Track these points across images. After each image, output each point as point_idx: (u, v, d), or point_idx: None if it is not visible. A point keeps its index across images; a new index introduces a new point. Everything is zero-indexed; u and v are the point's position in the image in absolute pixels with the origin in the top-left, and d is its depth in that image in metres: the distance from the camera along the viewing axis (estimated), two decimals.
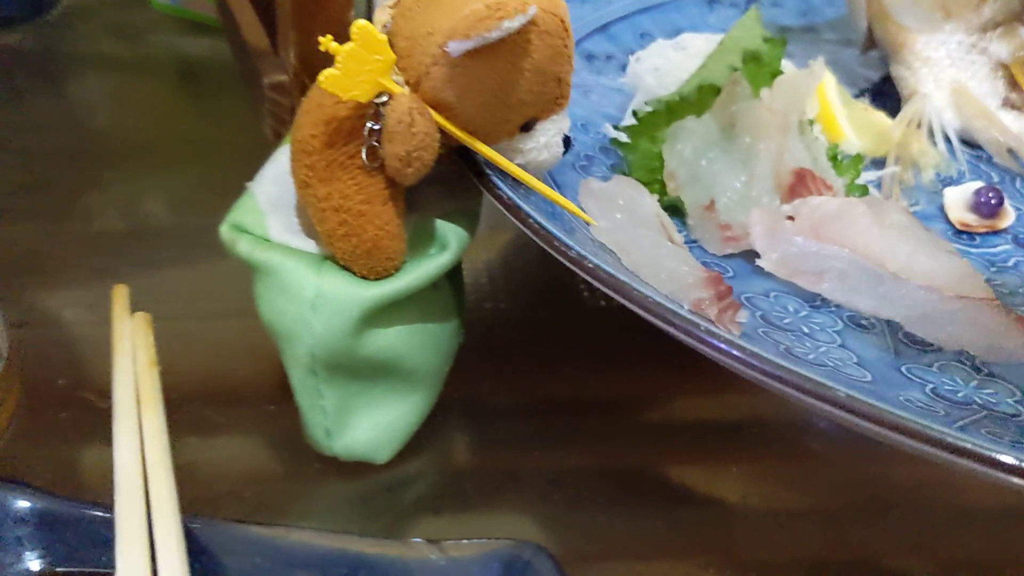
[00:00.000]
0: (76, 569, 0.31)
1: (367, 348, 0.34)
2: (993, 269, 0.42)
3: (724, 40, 0.46)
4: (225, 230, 0.36)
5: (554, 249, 0.33)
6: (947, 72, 0.50)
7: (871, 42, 0.53)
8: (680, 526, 0.38)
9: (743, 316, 0.36)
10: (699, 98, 0.44)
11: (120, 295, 0.39)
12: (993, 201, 0.44)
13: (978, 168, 0.48)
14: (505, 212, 0.34)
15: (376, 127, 0.32)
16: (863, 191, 0.44)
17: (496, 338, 0.45)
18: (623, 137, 0.44)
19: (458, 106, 0.33)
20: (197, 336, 0.44)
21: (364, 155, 0.33)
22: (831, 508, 0.39)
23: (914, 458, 0.40)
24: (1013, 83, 0.50)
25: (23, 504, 0.31)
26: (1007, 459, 0.26)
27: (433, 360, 0.37)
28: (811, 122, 0.45)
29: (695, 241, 0.41)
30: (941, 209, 0.46)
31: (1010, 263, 0.42)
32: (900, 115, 0.49)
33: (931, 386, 0.34)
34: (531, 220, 0.34)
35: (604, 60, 0.53)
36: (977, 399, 0.33)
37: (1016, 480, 0.26)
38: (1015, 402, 0.33)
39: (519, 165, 0.37)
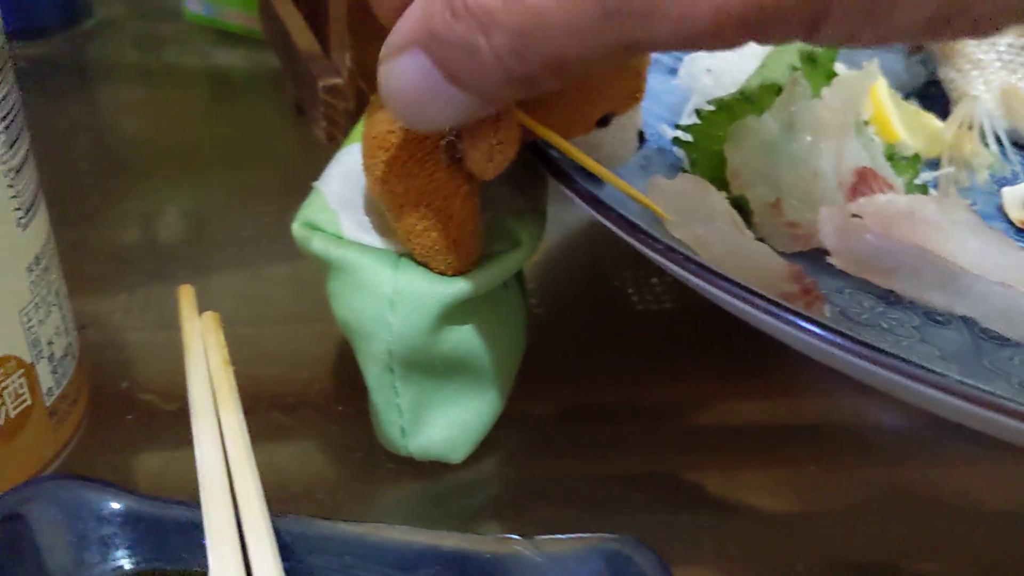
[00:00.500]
0: (164, 567, 0.30)
1: (444, 345, 0.34)
2: None
3: None
4: (297, 228, 0.35)
5: (641, 242, 0.32)
6: (997, 74, 0.50)
7: (918, 46, 0.53)
8: (741, 532, 0.37)
9: (827, 311, 0.36)
10: (761, 97, 0.43)
11: (187, 295, 0.39)
12: None
13: None
14: (587, 207, 0.34)
15: None
16: (923, 190, 0.44)
17: (534, 342, 0.45)
18: (685, 136, 0.44)
19: (540, 100, 0.33)
20: (254, 340, 0.44)
21: (443, 150, 0.33)
22: (863, 510, 0.39)
23: (979, 463, 0.40)
24: None
25: (108, 503, 0.31)
26: None
27: (505, 358, 0.36)
28: (866, 123, 0.45)
29: (761, 239, 0.41)
30: (999, 209, 0.46)
31: None
32: (951, 117, 0.49)
33: (1017, 379, 0.34)
34: (614, 214, 0.33)
35: (653, 63, 0.53)
36: None
37: None
38: None
39: (594, 159, 0.37)
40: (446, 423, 0.36)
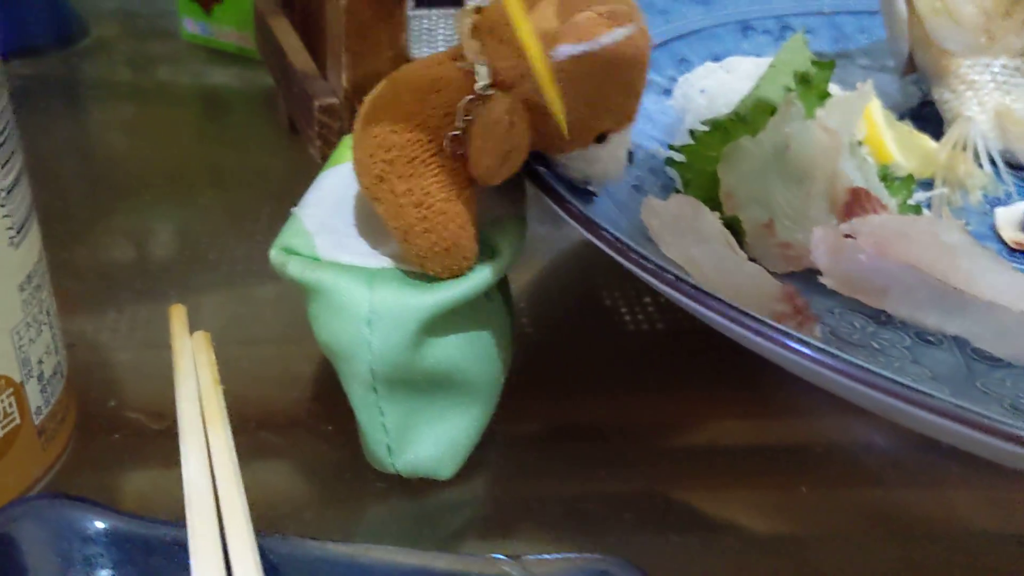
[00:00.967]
0: None
1: (426, 360, 0.34)
2: None
3: (774, 62, 0.46)
4: (275, 254, 0.35)
5: (632, 262, 0.32)
6: (991, 95, 0.50)
7: (912, 67, 0.54)
8: (727, 553, 0.37)
9: (817, 331, 0.35)
10: (754, 118, 0.43)
11: (178, 314, 0.38)
12: None
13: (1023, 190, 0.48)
14: (578, 227, 0.34)
15: (466, 119, 0.32)
16: (916, 211, 0.44)
17: (520, 362, 0.45)
18: (679, 157, 0.44)
19: (550, 112, 0.33)
20: (244, 360, 0.43)
21: (448, 143, 0.32)
22: (882, 535, 0.38)
23: (968, 485, 0.40)
24: None
25: (92, 522, 0.30)
26: None
27: (490, 371, 0.36)
28: (860, 143, 0.45)
29: (753, 260, 0.41)
30: (992, 229, 0.46)
31: None
32: (945, 137, 0.50)
33: (1009, 400, 0.34)
34: (604, 232, 0.33)
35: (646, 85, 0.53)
36: None
37: None
38: None
39: (585, 174, 0.37)
40: (433, 440, 0.36)
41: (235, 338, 0.45)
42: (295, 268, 0.34)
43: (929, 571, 0.36)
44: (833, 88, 0.48)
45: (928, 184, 0.48)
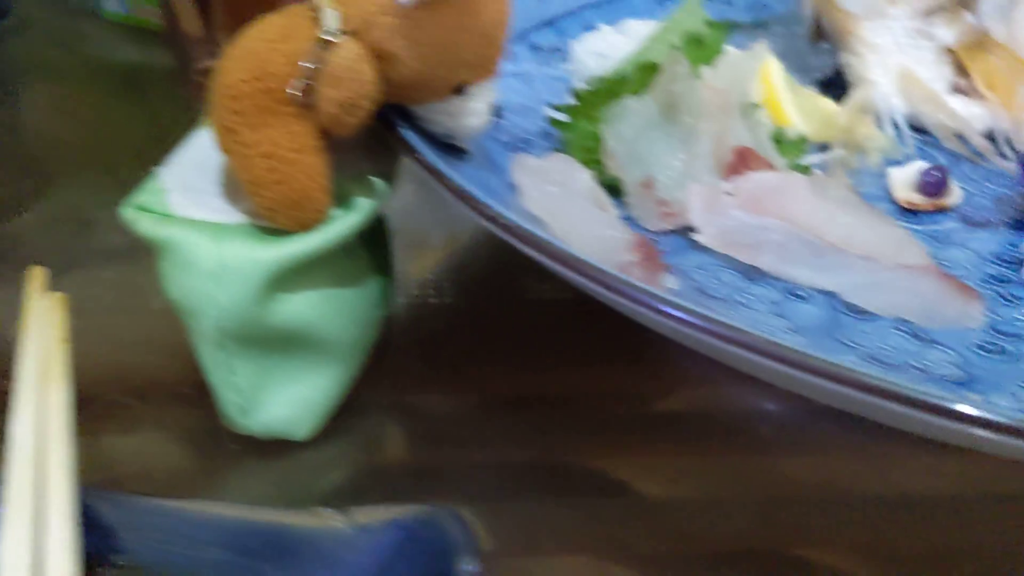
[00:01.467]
0: None
1: (276, 317, 0.33)
2: (938, 244, 0.41)
3: (665, 22, 0.46)
4: (126, 210, 0.34)
5: (473, 208, 0.31)
6: (893, 58, 0.49)
7: (819, 32, 0.53)
8: (612, 518, 0.36)
9: (673, 282, 0.35)
10: (638, 77, 0.43)
11: (37, 275, 0.38)
12: (939, 179, 0.43)
13: (927, 153, 0.47)
14: (426, 174, 0.33)
15: (313, 66, 0.31)
16: (805, 171, 0.43)
17: (438, 331, 0.44)
18: (562, 117, 0.43)
19: (400, 59, 0.32)
20: (129, 328, 0.43)
21: (297, 89, 0.32)
22: (769, 498, 0.37)
23: (853, 449, 0.39)
24: (960, 68, 0.49)
25: None
26: (935, 400, 0.25)
27: (350, 330, 0.35)
28: (756, 106, 0.44)
29: (632, 219, 0.40)
30: (887, 191, 0.45)
31: (955, 238, 0.41)
32: (846, 101, 0.49)
33: (867, 351, 0.33)
34: (451, 181, 0.32)
35: (550, 52, 0.52)
36: (913, 363, 0.32)
37: (939, 421, 0.25)
38: (951, 364, 0.32)
39: (447, 128, 0.36)
40: (288, 400, 0.35)
41: (124, 307, 0.44)
42: (145, 225, 0.34)
43: (808, 532, 0.36)
44: (731, 50, 0.47)
45: (829, 148, 0.47)
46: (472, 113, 0.36)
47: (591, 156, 0.42)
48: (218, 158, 0.37)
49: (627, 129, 0.41)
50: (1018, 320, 0.35)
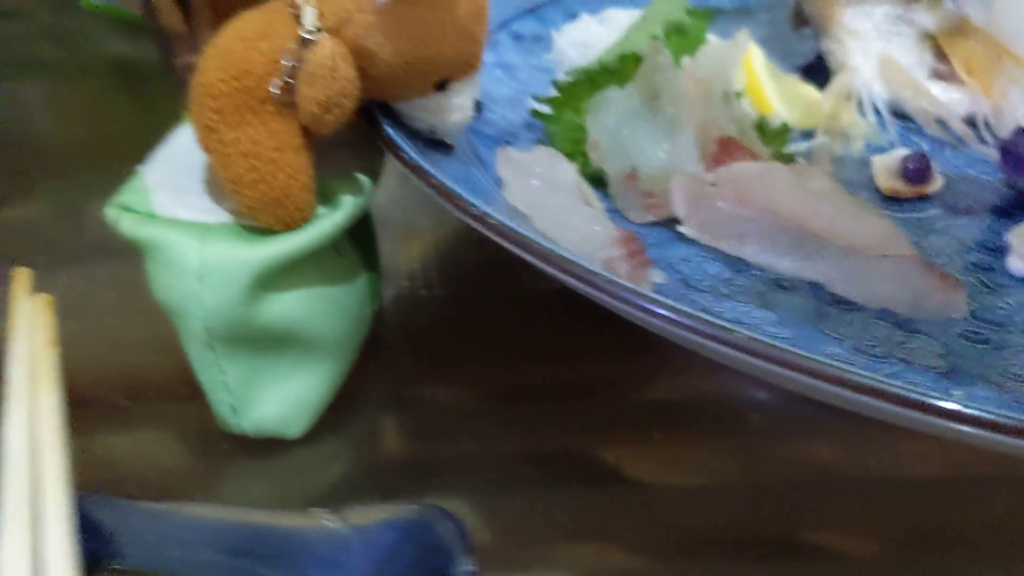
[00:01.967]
0: None
1: (263, 317, 0.33)
2: (921, 232, 0.41)
3: (646, 12, 0.46)
4: (110, 211, 0.34)
5: (456, 206, 0.32)
6: (875, 44, 0.49)
7: (802, 18, 0.53)
8: (605, 507, 0.36)
9: (658, 277, 0.35)
10: (621, 67, 0.43)
11: (22, 277, 0.38)
12: (921, 167, 0.43)
13: (908, 139, 0.48)
14: (408, 172, 0.33)
15: (292, 64, 0.31)
16: (789, 159, 0.43)
17: (428, 324, 0.44)
18: (545, 109, 0.43)
19: (379, 56, 0.32)
20: (122, 329, 0.42)
21: (277, 88, 0.32)
22: (761, 484, 0.38)
23: (842, 435, 0.40)
24: (940, 54, 0.49)
25: None
26: (916, 397, 0.25)
27: (339, 328, 0.35)
28: (739, 94, 0.44)
29: (617, 211, 0.40)
30: (870, 179, 0.45)
31: (938, 226, 0.41)
32: (829, 87, 0.49)
33: (852, 342, 0.33)
34: (433, 179, 0.33)
35: (532, 41, 0.52)
36: (897, 354, 0.33)
37: (922, 416, 0.25)
38: (935, 355, 0.32)
39: (430, 124, 0.36)
40: (279, 398, 0.35)
41: (116, 308, 0.44)
42: (127, 225, 0.34)
43: (799, 516, 0.36)
44: (713, 39, 0.47)
45: (814, 135, 0.48)
46: (455, 109, 0.36)
47: (576, 148, 0.42)
48: (201, 156, 0.37)
49: (611, 120, 0.41)
50: (1001, 308, 0.36)
